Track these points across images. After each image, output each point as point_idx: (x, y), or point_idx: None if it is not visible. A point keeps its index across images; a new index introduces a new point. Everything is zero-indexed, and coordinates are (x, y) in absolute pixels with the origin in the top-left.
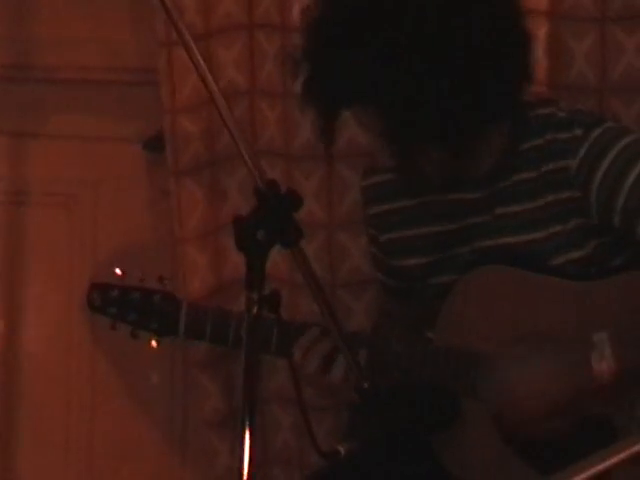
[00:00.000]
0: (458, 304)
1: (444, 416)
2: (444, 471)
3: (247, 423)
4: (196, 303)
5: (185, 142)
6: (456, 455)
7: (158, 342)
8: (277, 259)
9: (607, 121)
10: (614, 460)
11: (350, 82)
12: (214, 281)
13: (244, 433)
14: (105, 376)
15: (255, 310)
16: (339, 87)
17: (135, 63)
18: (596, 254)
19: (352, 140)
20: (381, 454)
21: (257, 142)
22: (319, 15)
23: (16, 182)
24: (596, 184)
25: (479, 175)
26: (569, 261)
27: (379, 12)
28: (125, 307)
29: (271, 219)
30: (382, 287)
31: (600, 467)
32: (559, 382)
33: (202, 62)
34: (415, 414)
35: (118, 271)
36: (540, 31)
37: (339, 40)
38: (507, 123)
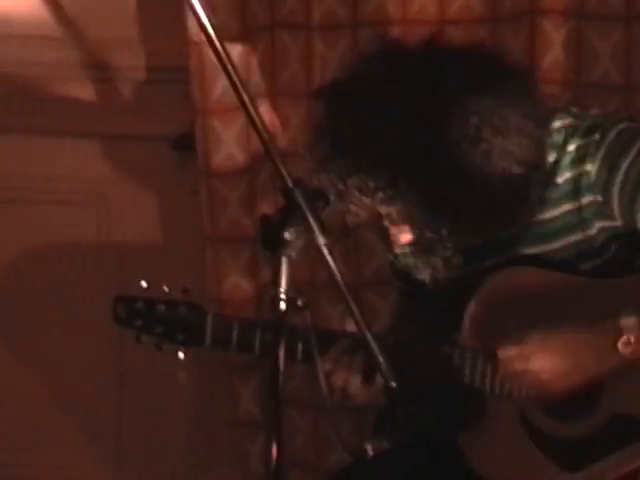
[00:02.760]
0: (484, 305)
1: (470, 414)
2: (470, 470)
3: (273, 426)
4: (221, 313)
5: (216, 143)
6: (482, 454)
7: (185, 354)
8: (297, 259)
9: (623, 121)
10: None
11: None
12: (247, 285)
13: (270, 436)
14: (132, 375)
15: (282, 306)
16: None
17: (164, 61)
18: (620, 255)
19: None
20: (408, 453)
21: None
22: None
23: (45, 180)
24: (617, 187)
25: None
26: (594, 267)
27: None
28: (151, 319)
29: (297, 218)
30: (399, 292)
31: (628, 465)
32: (586, 367)
33: (231, 63)
34: (441, 413)
35: (143, 283)
36: (559, 31)
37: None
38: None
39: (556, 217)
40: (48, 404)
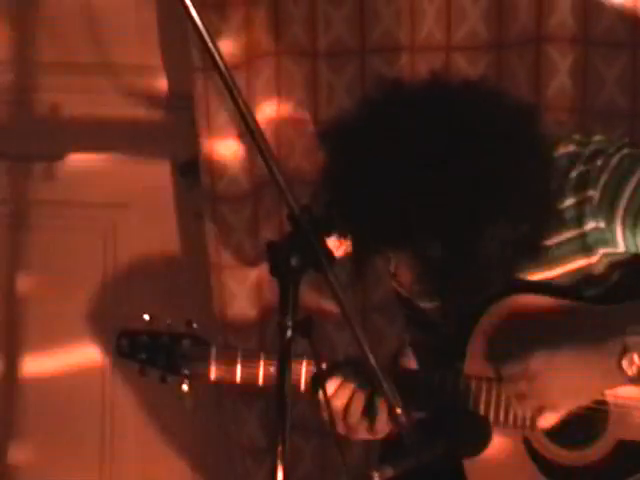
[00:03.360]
0: (487, 332)
1: (476, 442)
2: None
3: (280, 453)
4: (225, 346)
5: (220, 169)
6: None
7: (190, 386)
8: (303, 286)
9: (625, 147)
10: None
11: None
12: (252, 310)
13: (276, 463)
14: (136, 399)
15: (288, 335)
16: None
17: (170, 88)
18: (622, 282)
19: None
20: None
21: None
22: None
23: (48, 205)
24: (620, 213)
25: None
26: (597, 293)
27: (405, 156)
28: (154, 352)
29: (304, 245)
30: (405, 317)
31: None
32: (590, 387)
33: (237, 90)
34: (448, 439)
35: (146, 316)
36: (565, 58)
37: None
38: None
39: (559, 243)
40: (49, 434)
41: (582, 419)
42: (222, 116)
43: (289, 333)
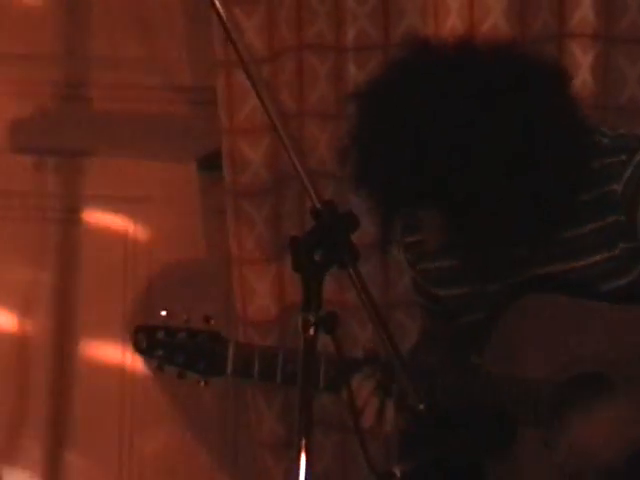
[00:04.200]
0: (509, 330)
1: (499, 440)
2: None
3: (303, 448)
4: (243, 342)
5: (243, 163)
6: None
7: (207, 382)
8: (327, 281)
9: None
10: None
11: (413, 187)
12: (273, 306)
13: (299, 458)
14: (157, 396)
15: (312, 331)
16: (400, 193)
17: (190, 82)
18: None
19: None
20: (435, 476)
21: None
22: (374, 109)
23: (70, 201)
24: None
25: None
26: (617, 287)
27: (440, 114)
28: (172, 349)
29: (328, 240)
30: (422, 310)
31: None
32: (627, 433)
33: (262, 84)
34: (469, 437)
35: (163, 312)
36: (587, 55)
37: (399, 142)
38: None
39: (581, 235)
40: (74, 433)
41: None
42: (245, 110)
43: (313, 329)
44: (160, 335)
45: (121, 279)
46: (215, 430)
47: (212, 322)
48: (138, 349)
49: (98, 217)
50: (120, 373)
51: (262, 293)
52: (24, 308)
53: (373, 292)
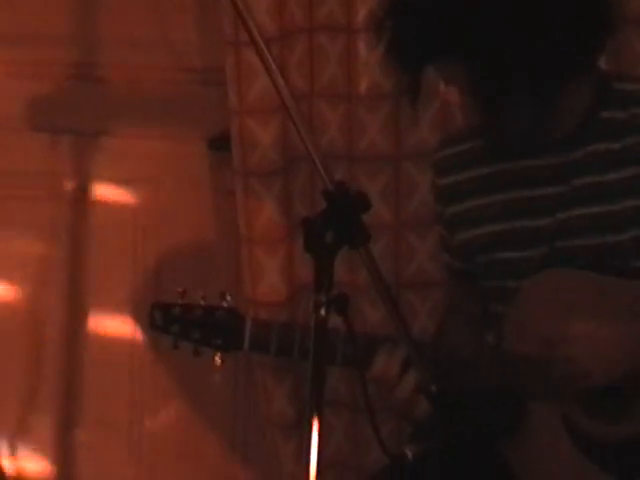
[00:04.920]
0: (525, 308)
1: (509, 418)
2: (512, 475)
3: (314, 426)
4: (260, 318)
5: (252, 143)
6: (525, 460)
7: (222, 359)
8: (338, 261)
9: None
10: None
11: (436, 34)
12: (282, 286)
13: (310, 437)
14: (168, 374)
15: (323, 311)
16: (424, 40)
17: (199, 63)
18: None
19: (421, 140)
20: (448, 456)
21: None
22: None
23: (80, 180)
24: None
25: (558, 139)
26: None
27: None
28: (188, 325)
29: (340, 221)
30: (449, 273)
31: None
32: (631, 357)
33: (273, 63)
34: (481, 416)
35: (179, 289)
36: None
37: None
38: (589, 86)
39: (616, 180)
40: (84, 409)
41: (618, 393)
42: (255, 90)
43: (324, 310)
44: (176, 311)
45: (131, 258)
46: (225, 407)
47: (228, 298)
48: (154, 325)
49: (109, 196)
50: (130, 350)
51: (272, 273)
52: (37, 284)
53: (384, 273)
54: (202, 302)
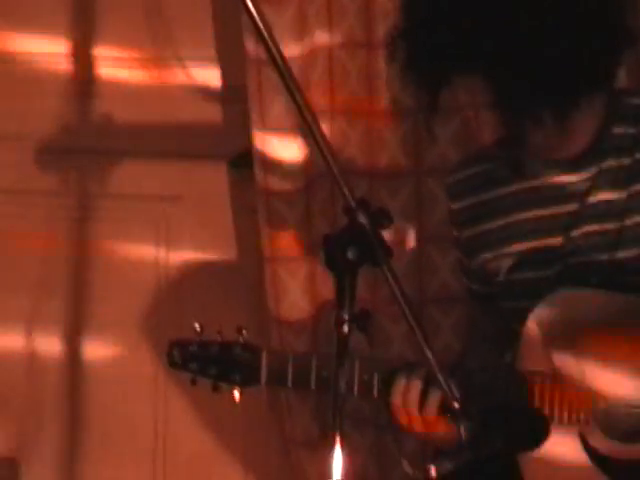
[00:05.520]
0: (539, 328)
1: (534, 436)
2: None
3: (338, 445)
4: (276, 349)
5: (274, 162)
6: (541, 475)
7: (241, 393)
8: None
9: None
10: None
11: (459, 49)
12: (305, 304)
13: (334, 455)
14: (188, 392)
15: (345, 328)
16: (442, 57)
17: (220, 81)
18: None
19: (442, 155)
20: (472, 473)
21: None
22: None
23: (101, 198)
24: None
25: (571, 156)
26: None
27: None
28: (206, 361)
29: (361, 238)
30: (470, 296)
31: None
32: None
33: (293, 81)
34: (506, 433)
35: (197, 326)
36: None
37: (448, 8)
38: (601, 103)
39: (629, 195)
40: (99, 427)
41: (634, 413)
42: (276, 108)
43: (346, 327)
44: (193, 348)
45: (153, 278)
46: (248, 428)
47: (244, 333)
48: (172, 363)
49: (129, 216)
50: (154, 381)
51: (295, 291)
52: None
53: (407, 288)
54: (219, 338)
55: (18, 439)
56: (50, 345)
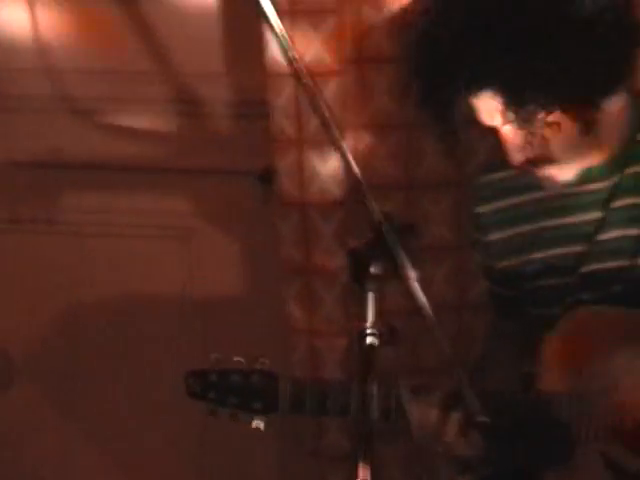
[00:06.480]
0: (560, 345)
1: (559, 454)
2: None
3: (362, 460)
4: (294, 377)
5: (310, 175)
6: None
7: (262, 420)
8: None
9: None
10: None
11: (474, 71)
12: (340, 316)
13: (358, 470)
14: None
15: (368, 340)
16: (453, 73)
17: (248, 95)
18: None
19: (480, 165)
20: None
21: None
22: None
23: (130, 214)
24: None
25: (595, 163)
26: None
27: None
28: (225, 391)
29: (386, 252)
30: (492, 300)
31: None
32: None
33: (317, 93)
34: (529, 449)
35: (215, 355)
36: None
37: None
38: (626, 109)
39: None
40: (133, 446)
41: None
42: (313, 122)
43: (368, 340)
44: (212, 378)
45: (179, 291)
46: (276, 442)
47: (263, 361)
48: (191, 393)
49: (156, 231)
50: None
51: (329, 303)
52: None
53: (448, 295)
54: (238, 367)
55: None
56: None
